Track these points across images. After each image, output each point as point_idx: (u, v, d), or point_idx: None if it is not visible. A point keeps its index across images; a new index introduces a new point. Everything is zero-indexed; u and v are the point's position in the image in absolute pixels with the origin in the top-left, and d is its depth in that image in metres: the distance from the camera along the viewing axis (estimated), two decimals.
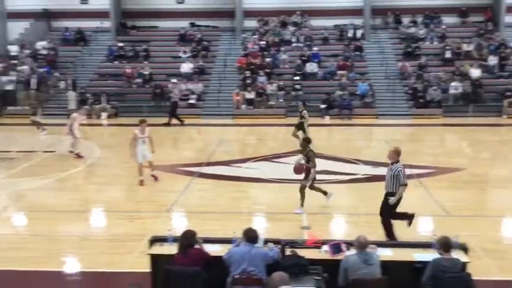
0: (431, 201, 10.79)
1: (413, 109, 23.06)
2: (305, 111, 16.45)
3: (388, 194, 8.15)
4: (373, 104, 23.32)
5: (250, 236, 5.99)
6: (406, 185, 8.04)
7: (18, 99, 23.57)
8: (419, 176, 12.48)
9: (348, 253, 6.17)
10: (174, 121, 21.01)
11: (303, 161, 9.87)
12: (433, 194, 11.23)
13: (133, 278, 7.43)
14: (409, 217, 8.29)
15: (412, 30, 27.08)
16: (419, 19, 27.80)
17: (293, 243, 6.49)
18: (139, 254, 7.99)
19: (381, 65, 25.29)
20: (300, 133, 15.62)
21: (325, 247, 6.43)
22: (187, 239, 6.05)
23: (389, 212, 8.19)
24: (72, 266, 8.03)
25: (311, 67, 24.78)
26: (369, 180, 12.50)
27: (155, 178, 12.30)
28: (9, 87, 23.63)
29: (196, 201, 11.11)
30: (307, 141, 10.24)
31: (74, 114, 15.70)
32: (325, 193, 10.18)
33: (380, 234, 8.08)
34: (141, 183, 11.89)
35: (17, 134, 19.91)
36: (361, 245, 5.87)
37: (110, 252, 8.34)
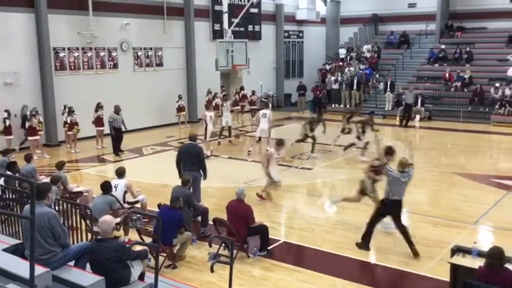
0: None
1: None
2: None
3: None
4: None
5: None
6: None
7: (341, 97, 25.76)
8: None
9: None
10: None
11: None
12: None
13: (430, 283, 7.41)
14: None
15: None
16: None
17: None
18: (440, 261, 7.91)
19: None
20: None
21: None
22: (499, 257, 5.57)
23: None
24: (371, 257, 8.46)
25: None
26: None
27: None
28: (335, 86, 26.00)
29: (509, 217, 10.17)
30: None
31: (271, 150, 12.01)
32: None
33: None
34: None
35: (337, 129, 21.75)
36: None
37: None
